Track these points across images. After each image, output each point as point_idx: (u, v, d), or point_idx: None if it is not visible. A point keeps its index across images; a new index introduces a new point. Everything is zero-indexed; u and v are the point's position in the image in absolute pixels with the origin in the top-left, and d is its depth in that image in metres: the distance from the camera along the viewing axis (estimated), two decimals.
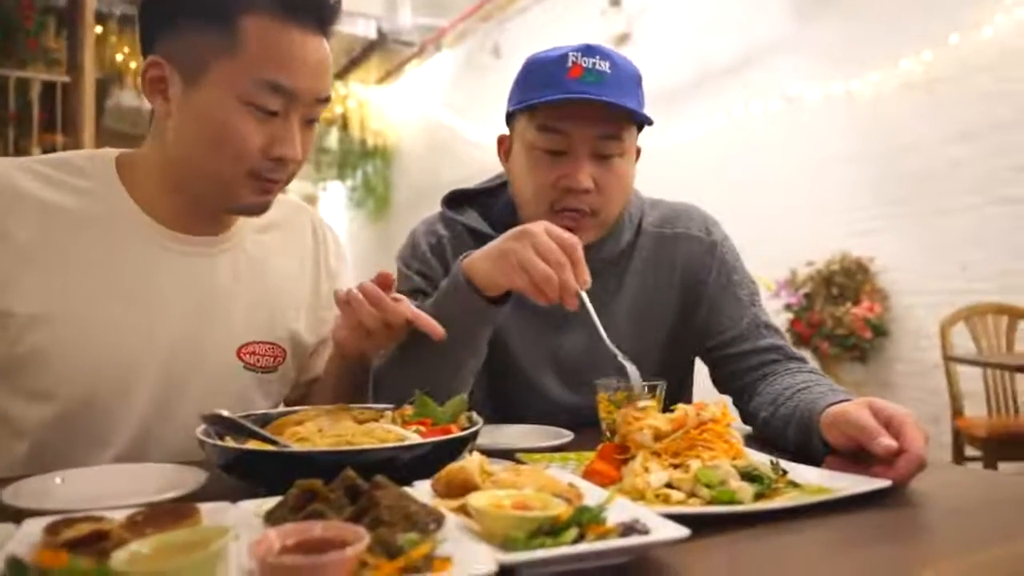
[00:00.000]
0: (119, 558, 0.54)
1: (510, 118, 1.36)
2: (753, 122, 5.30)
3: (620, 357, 1.09)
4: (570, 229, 1.23)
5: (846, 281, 4.66)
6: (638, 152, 1.35)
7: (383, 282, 1.10)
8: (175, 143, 1.09)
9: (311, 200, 11.04)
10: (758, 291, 1.41)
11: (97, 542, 0.61)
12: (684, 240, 1.41)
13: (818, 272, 4.76)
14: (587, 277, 1.07)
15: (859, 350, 4.55)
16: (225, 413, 0.84)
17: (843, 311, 4.54)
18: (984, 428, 3.31)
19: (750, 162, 5.31)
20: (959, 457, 3.49)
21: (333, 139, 10.52)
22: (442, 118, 8.86)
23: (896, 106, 4.47)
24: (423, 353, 1.16)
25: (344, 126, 10.27)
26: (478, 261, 1.14)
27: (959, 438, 3.50)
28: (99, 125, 6.18)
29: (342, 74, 9.84)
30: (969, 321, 3.70)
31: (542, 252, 1.05)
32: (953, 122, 4.18)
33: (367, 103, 10.09)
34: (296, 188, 10.45)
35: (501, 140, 1.40)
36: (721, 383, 1.38)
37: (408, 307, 1.10)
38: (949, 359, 3.57)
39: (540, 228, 1.08)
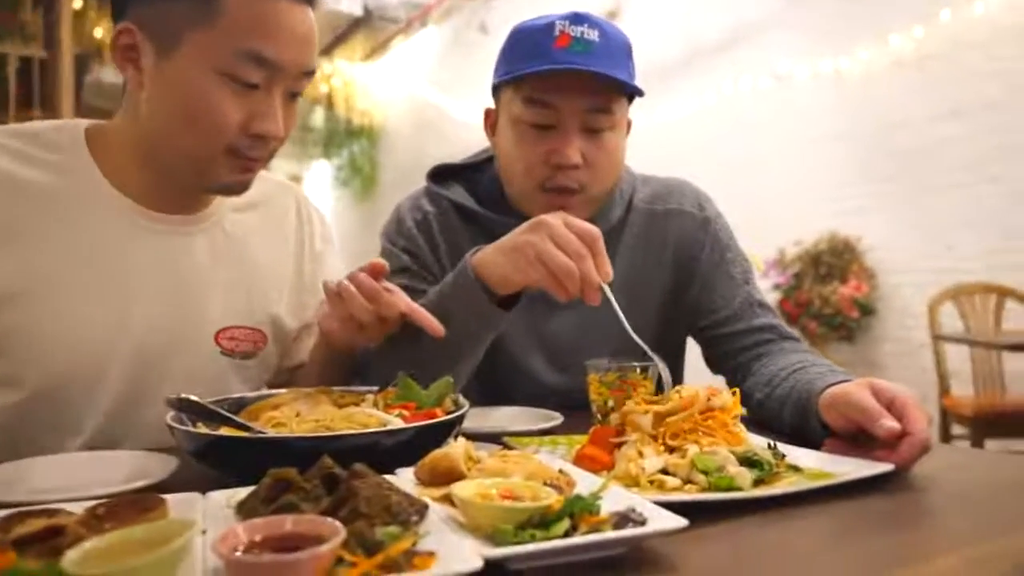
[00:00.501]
0: (70, 558, 0.50)
1: (496, 90, 1.30)
2: (742, 100, 5.25)
3: (648, 352, 1.03)
4: (559, 207, 1.19)
5: (833, 260, 4.64)
6: (629, 125, 1.30)
7: (376, 272, 1.04)
8: (148, 117, 1.03)
9: (296, 180, 10.91)
10: (752, 269, 1.37)
11: (51, 538, 0.57)
12: (676, 216, 1.37)
13: (806, 251, 4.74)
14: (609, 269, 1.01)
15: (846, 329, 4.54)
16: (192, 397, 0.79)
17: (830, 290, 4.52)
18: (971, 407, 3.31)
19: (739, 141, 5.27)
20: (945, 436, 3.50)
21: (319, 117, 10.38)
22: (429, 96, 8.75)
23: (886, 84, 4.43)
24: (417, 353, 1.09)
25: (329, 104, 10.12)
26: (490, 255, 1.07)
27: (946, 417, 3.50)
28: (78, 101, 6.06)
29: (327, 51, 9.69)
30: (957, 300, 3.70)
31: (561, 243, 0.99)
32: (943, 100, 4.15)
33: (352, 81, 9.94)
34: (281, 167, 10.34)
35: (487, 113, 1.35)
36: (714, 363, 1.34)
37: (404, 299, 1.03)
38: (937, 338, 3.56)
39: (558, 219, 1.01)
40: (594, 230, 1.01)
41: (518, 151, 1.24)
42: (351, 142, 10.28)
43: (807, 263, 4.71)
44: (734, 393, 0.87)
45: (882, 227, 4.48)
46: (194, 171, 1.04)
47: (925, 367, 3.82)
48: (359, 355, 1.20)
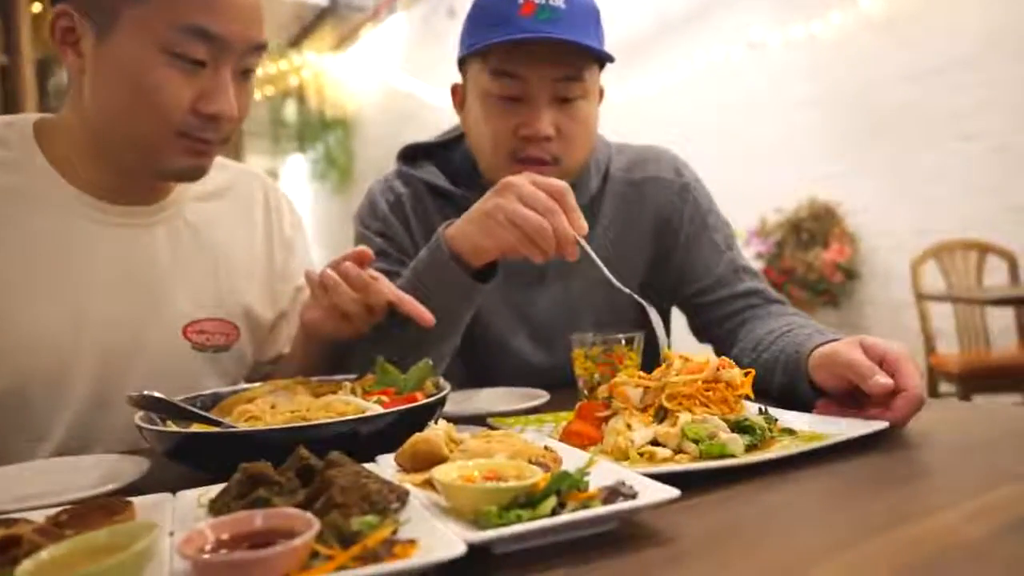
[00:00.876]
0: (24, 567, 0.46)
1: (462, 65, 1.27)
2: (716, 70, 5.22)
3: (637, 298, 1.00)
4: None
5: (814, 226, 4.63)
6: (601, 93, 1.27)
7: (361, 260, 1.00)
8: (92, 103, 0.98)
9: (272, 175, 10.75)
10: (734, 234, 1.35)
11: (8, 549, 0.54)
12: (653, 184, 1.34)
13: (787, 219, 4.73)
14: (583, 222, 0.98)
15: (830, 294, 4.55)
16: (156, 394, 0.76)
17: (813, 256, 4.52)
18: (957, 364, 3.32)
19: (714, 111, 5.24)
20: (933, 394, 3.52)
21: (291, 111, 10.24)
22: (402, 84, 8.64)
23: (858, 46, 4.41)
24: (401, 339, 1.07)
25: (301, 97, 9.98)
26: (461, 226, 1.05)
27: (933, 375, 3.51)
28: (43, 107, 5.94)
29: (295, 43, 9.56)
30: (938, 258, 3.71)
31: (530, 202, 0.96)
32: (914, 60, 4.14)
33: (323, 72, 9.81)
34: (255, 163, 10.20)
35: (454, 90, 1.31)
36: (700, 332, 1.32)
37: (389, 287, 1.01)
38: (921, 297, 3.57)
39: (523, 179, 0.99)
40: (562, 184, 0.99)
41: (487, 126, 1.20)
42: (325, 134, 10.15)
43: (788, 230, 4.71)
44: (747, 374, 0.84)
45: (861, 190, 4.48)
46: (144, 157, 1.00)
47: (910, 327, 3.83)
48: (342, 346, 1.17)
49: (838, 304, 4.60)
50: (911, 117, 4.18)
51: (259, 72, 1.09)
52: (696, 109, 5.35)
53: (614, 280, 0.98)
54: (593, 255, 0.98)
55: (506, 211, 0.97)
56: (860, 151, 4.47)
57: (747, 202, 4.71)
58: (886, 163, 4.34)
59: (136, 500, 0.64)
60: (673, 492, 0.57)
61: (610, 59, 1.20)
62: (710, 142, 5.04)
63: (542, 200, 0.96)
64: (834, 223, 4.60)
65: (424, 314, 1.00)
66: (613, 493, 0.58)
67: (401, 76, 8.70)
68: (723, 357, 0.86)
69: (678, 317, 1.39)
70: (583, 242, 0.97)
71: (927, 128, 4.11)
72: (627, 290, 0.99)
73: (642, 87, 5.53)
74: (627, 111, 4.90)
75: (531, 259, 0.99)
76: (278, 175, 11.43)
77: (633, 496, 0.58)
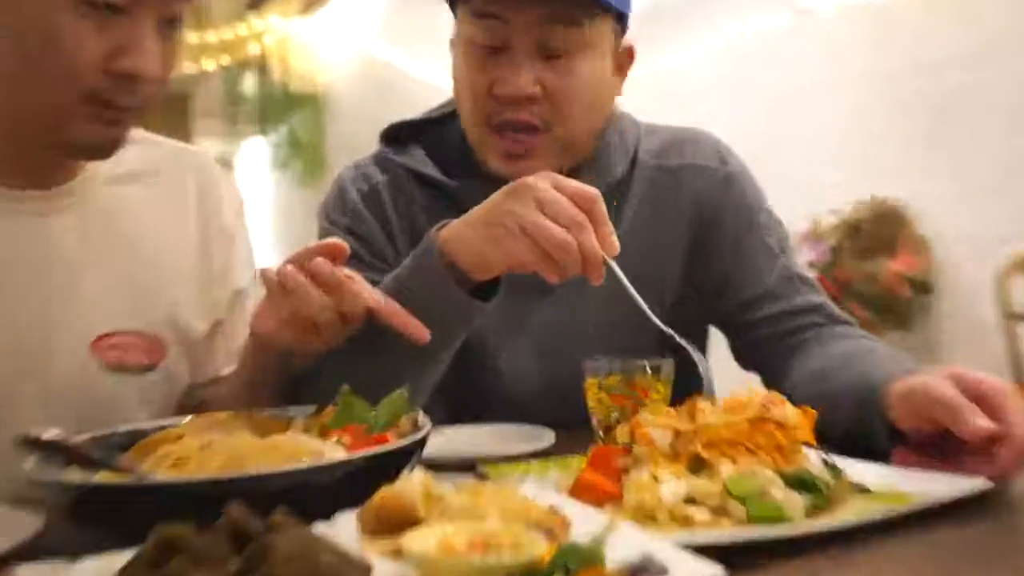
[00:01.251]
0: None
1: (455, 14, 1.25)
2: (757, 41, 5.21)
3: (678, 339, 0.98)
4: (516, 154, 1.13)
5: (877, 229, 4.61)
6: (630, 54, 1.23)
7: (335, 254, 0.96)
8: None
9: (225, 163, 10.78)
10: (788, 235, 1.31)
11: None
12: (690, 172, 1.31)
13: (843, 221, 4.70)
14: (614, 239, 0.95)
15: (896, 312, 4.52)
16: (46, 435, 0.71)
17: (875, 266, 4.50)
18: None
19: (755, 89, 5.23)
20: None
21: (250, 85, 10.28)
22: (382, 53, 8.67)
23: (925, 14, 4.39)
24: (376, 360, 1.03)
25: (262, 68, 10.02)
26: (460, 231, 1.01)
27: None
28: None
29: (256, 5, 9.59)
30: None
31: (551, 211, 0.93)
32: (987, 33, 4.11)
33: (288, 39, 9.85)
34: (206, 148, 10.23)
35: (453, 44, 1.29)
36: (746, 356, 1.28)
37: (368, 290, 0.97)
38: (1011, 316, 3.54)
39: (544, 181, 0.95)
40: (592, 191, 0.95)
41: (464, 82, 1.20)
42: (291, 113, 10.18)
43: (845, 235, 4.68)
44: (806, 413, 0.80)
45: (933, 188, 4.46)
46: (45, 127, 0.97)
47: (995, 352, 3.80)
48: (304, 361, 1.11)
49: (907, 324, 4.57)
50: (992, 101, 4.15)
51: (212, 39, 1.06)
52: (734, 88, 5.34)
53: (647, 310, 0.96)
54: (626, 282, 0.95)
55: (520, 219, 0.93)
56: (932, 141, 4.45)
57: (796, 200, 4.68)
58: (963, 156, 4.32)
59: (20, 571, 0.60)
60: (716, 570, 0.54)
61: (620, 7, 1.17)
62: (752, 129, 5.02)
63: (566, 209, 0.93)
64: (901, 227, 4.57)
65: (416, 327, 0.97)
66: (639, 571, 0.54)
67: (380, 44, 8.73)
68: (774, 393, 0.82)
69: (718, 341, 1.35)
70: (613, 264, 0.94)
71: (1011, 114, 4.09)
72: (665, 328, 0.97)
73: (670, 62, 5.52)
74: (653, 88, 4.88)
75: (544, 277, 0.96)
76: (232, 163, 11.46)
77: (663, 574, 0.54)
